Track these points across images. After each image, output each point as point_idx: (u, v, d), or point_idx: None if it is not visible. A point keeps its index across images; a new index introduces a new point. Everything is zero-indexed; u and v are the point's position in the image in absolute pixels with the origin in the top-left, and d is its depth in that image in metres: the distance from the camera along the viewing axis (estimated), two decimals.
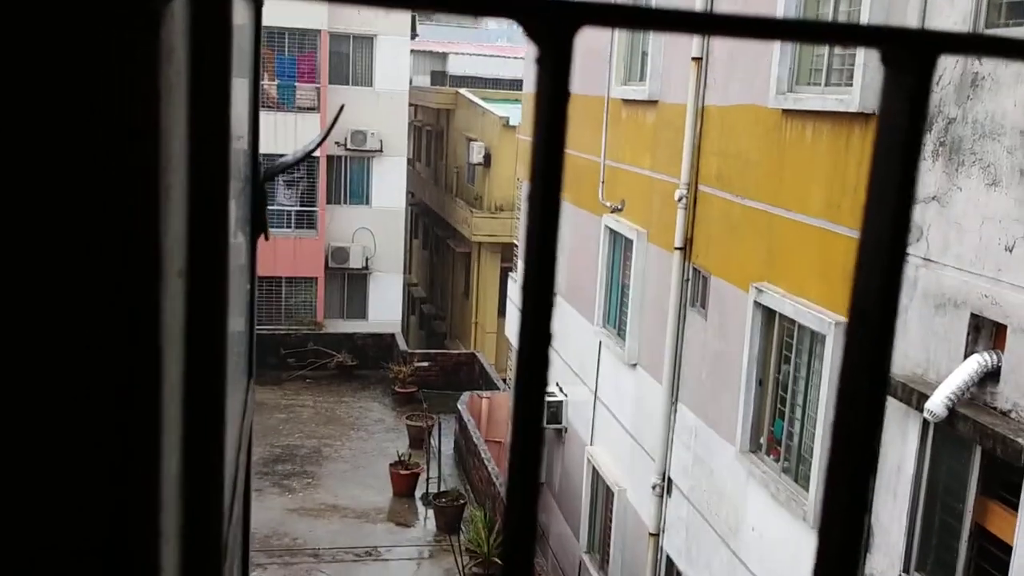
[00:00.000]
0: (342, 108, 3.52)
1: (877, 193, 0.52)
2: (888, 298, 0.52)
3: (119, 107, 0.58)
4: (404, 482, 17.82)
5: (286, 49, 25.60)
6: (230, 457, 1.64)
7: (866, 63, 7.45)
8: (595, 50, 13.53)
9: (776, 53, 8.74)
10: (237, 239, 1.63)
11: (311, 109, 25.39)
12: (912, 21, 6.90)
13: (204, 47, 0.79)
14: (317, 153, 25.08)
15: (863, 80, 7.46)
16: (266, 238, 2.07)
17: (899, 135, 0.50)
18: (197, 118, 0.76)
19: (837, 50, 8.20)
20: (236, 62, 1.54)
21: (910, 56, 0.51)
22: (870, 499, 7.14)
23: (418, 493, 17.85)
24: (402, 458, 18.10)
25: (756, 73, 9.21)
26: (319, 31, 25.72)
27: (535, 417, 0.48)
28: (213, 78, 0.92)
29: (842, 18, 8.12)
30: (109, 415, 0.62)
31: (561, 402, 14.81)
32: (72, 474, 0.62)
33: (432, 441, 18.61)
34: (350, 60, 26.63)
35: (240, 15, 1.63)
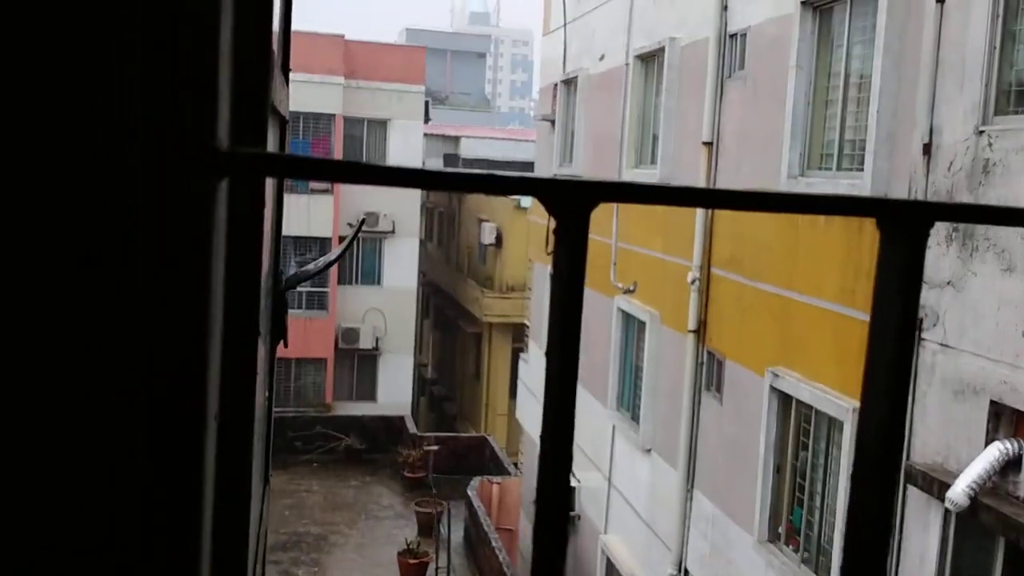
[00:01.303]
0: (363, 221, 3.57)
1: (874, 374, 0.57)
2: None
3: (177, 269, 0.63)
4: (412, 571, 17.43)
5: (300, 133, 26.03)
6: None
7: (876, 149, 7.49)
8: (607, 133, 13.71)
9: (787, 137, 8.81)
10: (259, 351, 1.62)
11: (324, 191, 25.69)
12: (922, 111, 6.95)
13: (240, 221, 0.85)
14: (329, 234, 25.27)
15: (874, 165, 7.49)
16: (285, 345, 2.06)
17: (895, 303, 0.56)
18: (231, 275, 0.82)
19: (848, 135, 8.27)
20: None
21: (903, 226, 0.57)
22: None
23: None
24: (411, 546, 17.75)
25: (767, 157, 9.28)
26: (333, 115, 26.18)
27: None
28: (245, 250, 0.99)
29: (851, 104, 8.20)
30: (143, 553, 0.64)
31: (574, 488, 14.57)
32: None
33: (442, 529, 18.27)
34: (364, 143, 27.06)
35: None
